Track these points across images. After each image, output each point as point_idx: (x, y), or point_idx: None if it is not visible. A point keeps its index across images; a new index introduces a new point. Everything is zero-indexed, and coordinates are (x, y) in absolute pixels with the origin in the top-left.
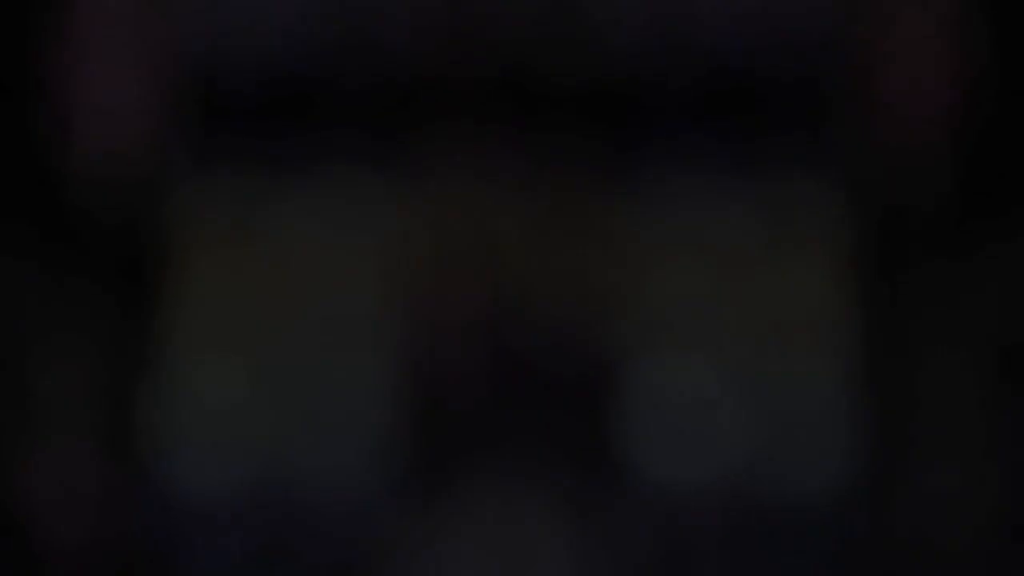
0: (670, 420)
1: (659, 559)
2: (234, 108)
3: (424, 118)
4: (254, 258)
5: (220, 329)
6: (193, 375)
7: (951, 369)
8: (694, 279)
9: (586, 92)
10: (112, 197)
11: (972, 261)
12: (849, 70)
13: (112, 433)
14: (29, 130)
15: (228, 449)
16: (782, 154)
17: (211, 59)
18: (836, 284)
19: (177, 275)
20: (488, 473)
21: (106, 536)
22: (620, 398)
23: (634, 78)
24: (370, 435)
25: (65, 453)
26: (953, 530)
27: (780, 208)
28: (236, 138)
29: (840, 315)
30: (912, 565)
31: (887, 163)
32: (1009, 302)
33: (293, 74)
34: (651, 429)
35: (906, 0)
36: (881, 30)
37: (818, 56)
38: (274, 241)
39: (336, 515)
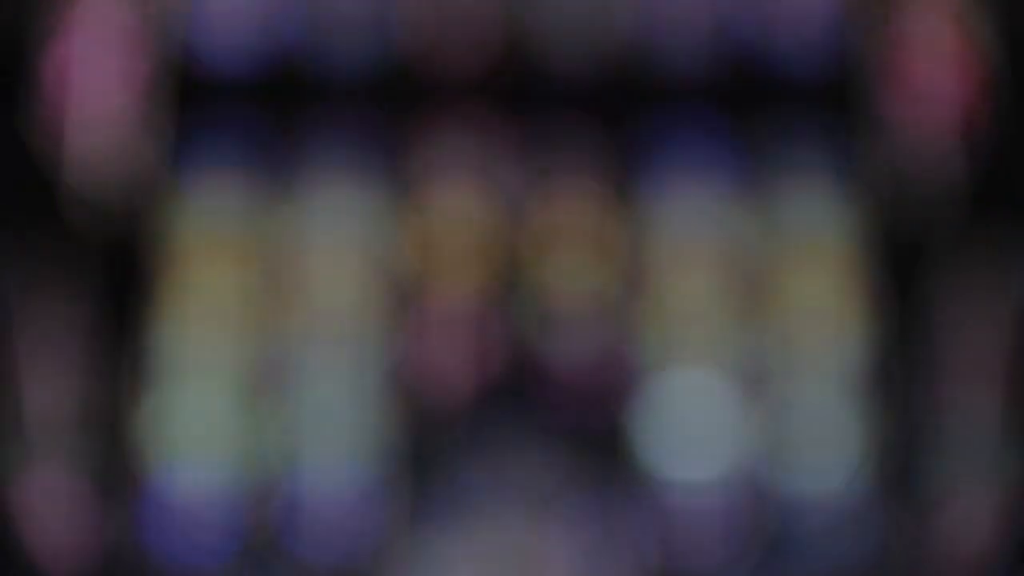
0: (676, 424)
1: (663, 560)
2: (234, 110)
3: (424, 119)
4: (250, 260)
5: (216, 330)
6: (190, 378)
7: (958, 374)
8: (701, 283)
9: (592, 94)
10: (104, 206)
11: (981, 266)
12: (860, 74)
13: (107, 439)
14: (23, 135)
15: (225, 452)
16: (791, 158)
17: (210, 63)
18: (845, 288)
19: (174, 276)
20: (488, 473)
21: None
22: (624, 400)
23: (640, 80)
24: (370, 435)
25: (61, 461)
26: (956, 533)
27: (789, 212)
28: (235, 140)
29: (849, 319)
30: (917, 568)
31: (898, 168)
32: (1019, 305)
33: (293, 76)
34: (656, 433)
35: (916, 2)
36: (891, 34)
37: (827, 60)
38: (270, 243)
39: (335, 515)
